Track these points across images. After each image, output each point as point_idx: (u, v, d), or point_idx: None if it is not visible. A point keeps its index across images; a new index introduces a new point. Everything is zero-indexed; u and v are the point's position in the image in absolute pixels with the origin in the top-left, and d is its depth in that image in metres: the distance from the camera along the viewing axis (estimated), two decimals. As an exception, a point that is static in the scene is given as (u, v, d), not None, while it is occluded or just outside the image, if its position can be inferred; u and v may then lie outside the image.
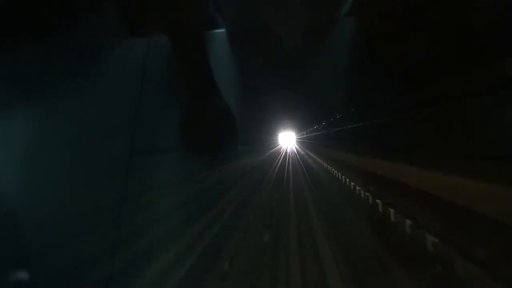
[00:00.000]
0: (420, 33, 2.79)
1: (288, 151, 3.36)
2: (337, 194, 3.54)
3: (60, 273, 2.72)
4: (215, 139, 3.28)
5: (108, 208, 3.03)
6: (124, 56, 3.87)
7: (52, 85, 3.55)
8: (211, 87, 3.34)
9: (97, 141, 3.43)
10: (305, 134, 3.61)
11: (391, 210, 2.77)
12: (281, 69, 3.65)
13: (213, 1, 3.99)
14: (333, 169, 3.62)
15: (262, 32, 3.86)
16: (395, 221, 2.71)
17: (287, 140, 3.46)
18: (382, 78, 3.24)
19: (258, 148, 3.38)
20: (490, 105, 2.07)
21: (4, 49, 3.49)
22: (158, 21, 2.80)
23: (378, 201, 3.02)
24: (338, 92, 3.65)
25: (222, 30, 3.99)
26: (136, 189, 3.15)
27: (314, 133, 3.63)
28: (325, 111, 3.55)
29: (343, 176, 3.49)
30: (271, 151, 3.36)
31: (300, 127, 3.55)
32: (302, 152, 3.50)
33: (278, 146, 3.40)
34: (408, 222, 2.49)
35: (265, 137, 3.38)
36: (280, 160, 3.22)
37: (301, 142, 3.55)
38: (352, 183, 3.36)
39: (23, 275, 2.85)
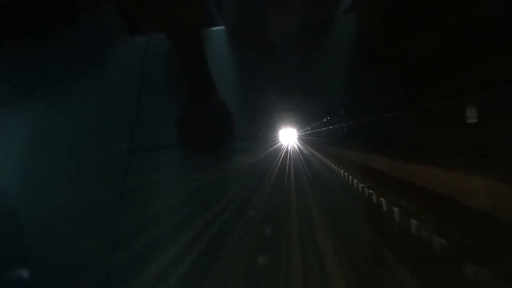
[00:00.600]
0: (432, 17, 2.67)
1: (289, 148, 3.25)
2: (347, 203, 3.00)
3: (60, 273, 2.73)
4: (214, 136, 3.24)
5: (108, 206, 3.03)
6: (123, 55, 3.87)
7: (51, 83, 3.57)
8: (210, 85, 3.30)
9: (96, 138, 3.43)
10: (309, 131, 3.50)
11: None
12: (281, 66, 3.59)
13: (214, 1, 3.95)
14: (342, 171, 3.26)
15: (262, 29, 3.81)
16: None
17: (288, 136, 3.35)
18: (390, 72, 3.13)
19: (258, 145, 3.32)
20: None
21: (3, 49, 3.53)
22: (158, 21, 2.78)
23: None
24: (341, 88, 3.56)
25: (222, 27, 3.95)
26: (136, 186, 3.14)
27: (317, 130, 3.53)
28: (328, 107, 3.46)
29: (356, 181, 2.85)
30: (271, 148, 3.29)
31: (302, 124, 3.45)
32: (306, 152, 3.34)
33: (279, 143, 3.31)
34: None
35: (266, 134, 3.31)
36: (281, 160, 3.13)
37: (303, 139, 3.43)
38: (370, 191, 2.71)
39: (23, 274, 2.86)
